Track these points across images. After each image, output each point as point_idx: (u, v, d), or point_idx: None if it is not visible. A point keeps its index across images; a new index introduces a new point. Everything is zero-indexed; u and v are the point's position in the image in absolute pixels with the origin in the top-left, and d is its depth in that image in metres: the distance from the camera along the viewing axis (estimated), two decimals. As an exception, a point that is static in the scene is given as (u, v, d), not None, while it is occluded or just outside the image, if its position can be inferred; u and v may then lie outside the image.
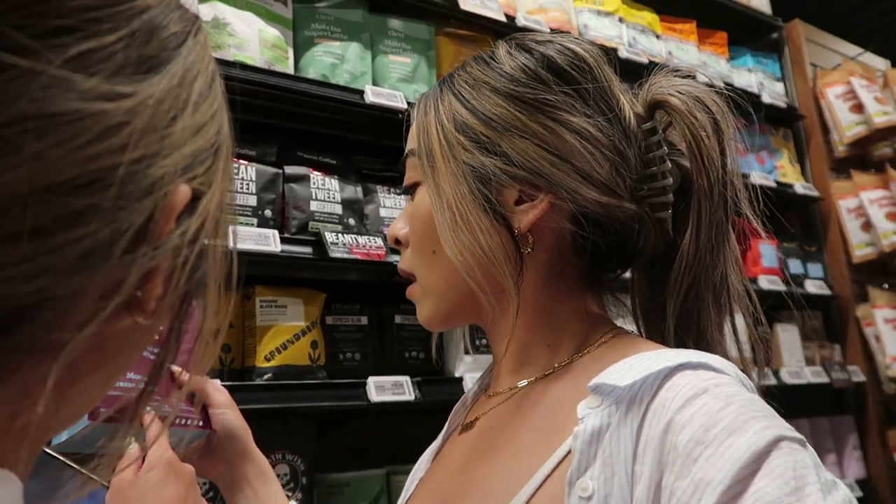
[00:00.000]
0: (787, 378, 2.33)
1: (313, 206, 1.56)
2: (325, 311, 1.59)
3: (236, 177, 1.49)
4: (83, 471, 0.67)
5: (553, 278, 0.67)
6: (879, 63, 3.25)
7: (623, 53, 2.23)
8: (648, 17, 2.46)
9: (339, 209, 1.60)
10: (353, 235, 1.55)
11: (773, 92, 2.75)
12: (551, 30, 2.03)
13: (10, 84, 0.26)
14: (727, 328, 0.67)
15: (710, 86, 0.69)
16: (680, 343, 0.66)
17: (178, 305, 0.37)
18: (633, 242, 0.68)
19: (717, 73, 2.54)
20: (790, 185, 2.63)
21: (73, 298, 0.30)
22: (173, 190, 0.33)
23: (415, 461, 0.79)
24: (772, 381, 2.27)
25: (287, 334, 1.47)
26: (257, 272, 1.51)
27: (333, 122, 1.74)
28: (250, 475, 0.83)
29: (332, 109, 1.66)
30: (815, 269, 2.67)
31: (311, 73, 1.65)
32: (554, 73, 0.66)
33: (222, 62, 1.48)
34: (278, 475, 1.45)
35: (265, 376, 1.43)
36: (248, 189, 1.48)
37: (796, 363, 2.44)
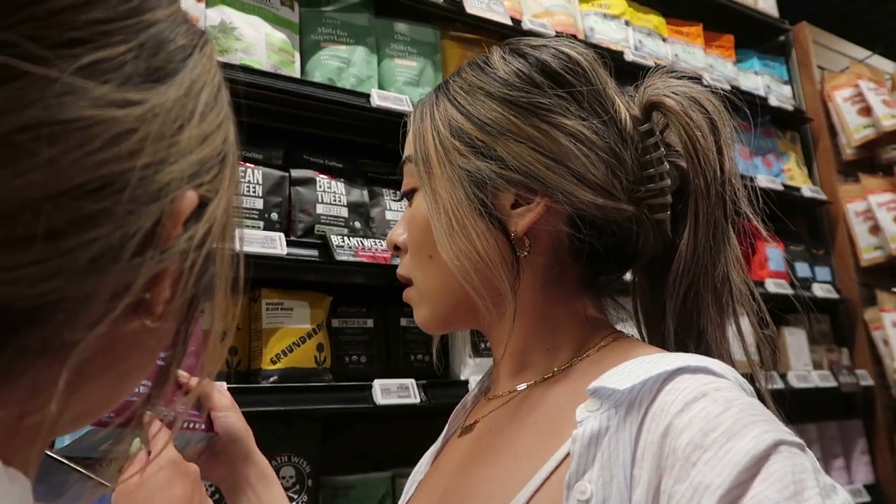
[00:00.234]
0: (795, 382, 2.32)
1: (319, 209, 1.57)
2: (330, 314, 1.60)
3: (243, 180, 1.49)
4: (91, 475, 0.67)
5: (551, 281, 0.67)
6: (887, 66, 3.23)
7: (629, 56, 2.23)
8: (655, 20, 2.46)
9: (345, 212, 1.60)
10: (358, 238, 1.55)
11: (780, 95, 2.74)
12: (557, 33, 2.03)
13: (24, 91, 0.27)
14: (731, 329, 0.67)
15: (707, 86, 0.69)
16: (681, 344, 0.66)
17: (186, 309, 0.38)
18: (632, 244, 0.68)
19: (723, 76, 2.54)
20: (797, 189, 2.62)
21: (83, 300, 0.31)
22: (180, 196, 0.34)
23: (420, 464, 0.79)
24: (779, 384, 2.26)
25: (293, 337, 1.48)
26: (263, 275, 1.51)
27: (340, 126, 1.75)
28: (252, 478, 0.83)
29: (339, 113, 1.67)
30: (823, 272, 2.66)
31: (318, 76, 1.66)
32: (548, 77, 0.66)
33: (229, 66, 1.49)
34: (284, 477, 1.46)
35: (271, 379, 1.44)
36: (254, 192, 1.49)
37: (804, 367, 2.43)
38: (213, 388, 0.85)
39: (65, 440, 0.71)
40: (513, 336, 0.67)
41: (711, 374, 0.56)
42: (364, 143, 1.79)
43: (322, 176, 1.61)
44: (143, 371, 0.39)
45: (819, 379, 2.41)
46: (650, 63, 2.25)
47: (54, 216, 0.28)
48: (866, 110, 2.83)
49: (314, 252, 1.50)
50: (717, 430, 0.50)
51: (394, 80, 1.77)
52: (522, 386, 0.68)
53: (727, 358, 0.65)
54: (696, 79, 0.70)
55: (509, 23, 1.94)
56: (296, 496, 1.46)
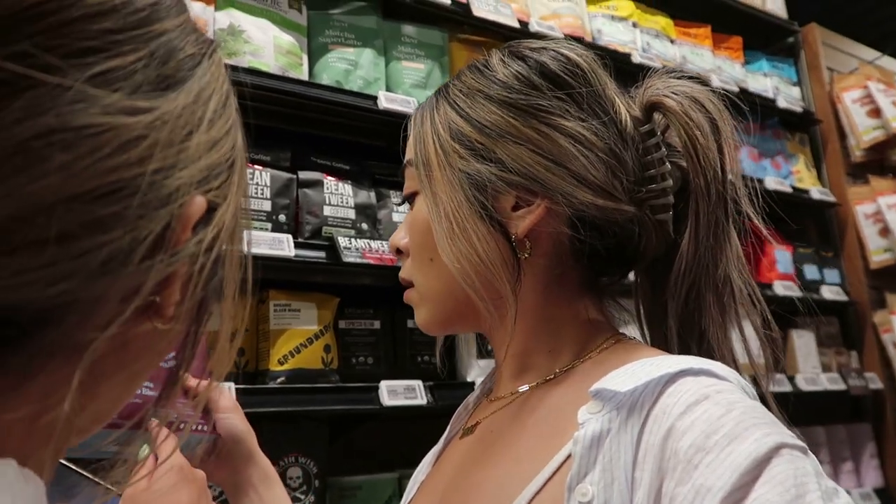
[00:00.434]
0: (803, 385, 2.31)
1: (327, 210, 1.57)
2: (338, 316, 1.60)
3: (251, 182, 1.50)
4: (99, 481, 0.68)
5: (553, 283, 0.67)
6: (897, 67, 3.22)
7: (637, 59, 2.22)
8: (662, 21, 2.45)
9: (352, 214, 1.61)
10: (366, 240, 1.56)
11: (788, 96, 2.73)
12: (565, 35, 2.03)
13: (39, 100, 0.28)
14: (735, 330, 0.67)
15: (708, 86, 0.69)
16: (683, 345, 0.66)
17: (195, 311, 0.38)
18: (634, 245, 0.68)
19: (731, 77, 2.53)
20: (806, 191, 2.61)
21: (94, 302, 0.32)
22: (189, 201, 0.35)
23: (427, 465, 0.79)
24: (787, 387, 2.25)
25: (300, 338, 1.48)
26: (271, 276, 1.52)
27: (347, 128, 1.76)
28: (255, 479, 0.83)
29: (346, 115, 1.68)
30: (832, 274, 2.64)
31: (325, 79, 1.67)
32: (547, 79, 0.66)
33: (237, 68, 1.50)
34: (291, 478, 1.47)
35: (278, 380, 1.44)
36: (262, 194, 1.50)
37: (812, 370, 2.42)
38: (215, 389, 0.86)
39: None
40: (514, 338, 0.67)
41: (714, 376, 0.56)
42: (371, 145, 1.80)
43: (329, 178, 1.62)
44: (150, 372, 0.39)
45: (828, 382, 2.40)
46: (658, 65, 2.25)
47: (67, 220, 0.29)
48: (876, 112, 2.82)
49: (321, 254, 1.50)
50: (719, 433, 0.50)
51: (401, 82, 1.78)
52: (524, 387, 0.68)
53: (729, 358, 0.65)
54: (697, 79, 0.70)
55: (517, 25, 1.94)
56: (303, 496, 1.46)
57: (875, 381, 2.57)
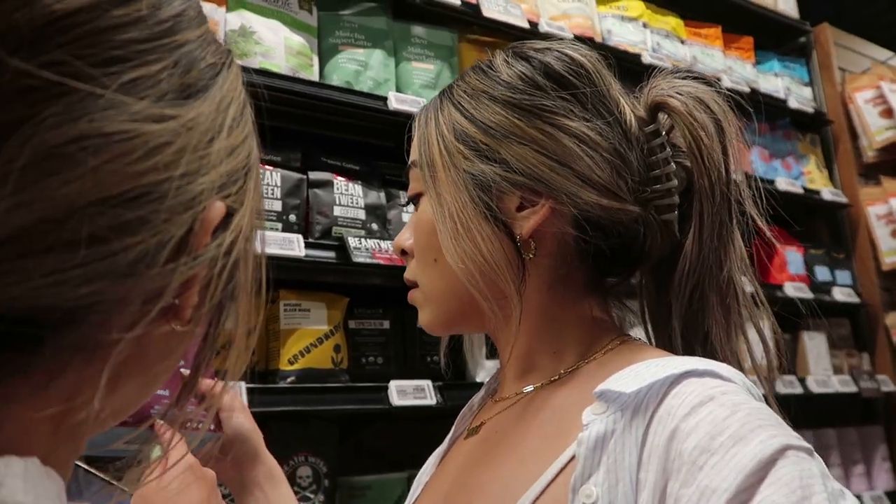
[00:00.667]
0: (814, 387, 2.30)
1: (337, 211, 1.58)
2: (347, 315, 1.61)
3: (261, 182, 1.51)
4: (110, 480, 0.68)
5: (557, 284, 0.67)
6: (910, 67, 3.19)
7: (647, 59, 2.22)
8: (673, 21, 2.45)
9: (362, 214, 1.61)
10: (375, 240, 1.56)
11: (800, 97, 2.71)
12: (574, 36, 2.02)
13: (72, 106, 0.29)
14: (739, 332, 0.67)
15: (711, 85, 0.69)
16: (687, 346, 0.66)
17: (213, 314, 0.39)
18: (639, 245, 0.68)
19: (742, 78, 2.52)
20: (817, 192, 2.59)
21: (119, 303, 0.33)
22: (210, 205, 0.36)
23: (437, 465, 0.80)
24: (798, 389, 2.24)
25: (310, 338, 1.49)
26: (281, 276, 1.53)
27: (357, 129, 1.76)
28: (260, 478, 0.83)
29: (356, 116, 1.68)
30: (844, 276, 2.63)
31: (336, 79, 1.68)
32: (551, 80, 0.66)
33: (248, 69, 1.51)
34: (301, 477, 1.48)
35: (289, 379, 1.45)
36: (272, 194, 1.51)
37: (823, 371, 2.40)
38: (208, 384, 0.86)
39: None
40: (519, 338, 0.67)
41: (718, 377, 0.56)
42: (381, 146, 1.80)
43: (339, 178, 1.62)
44: (168, 373, 0.40)
45: (839, 384, 2.38)
46: (668, 65, 2.23)
47: (97, 223, 0.30)
48: (888, 112, 2.79)
49: (331, 254, 1.51)
50: (724, 434, 0.50)
51: (411, 82, 1.78)
52: (528, 388, 0.68)
53: (733, 360, 0.65)
54: (703, 79, 0.70)
55: (526, 26, 1.94)
56: (312, 496, 1.47)
57: (887, 384, 2.55)
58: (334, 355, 1.52)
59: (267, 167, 1.54)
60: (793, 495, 0.47)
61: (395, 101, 1.66)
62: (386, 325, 1.67)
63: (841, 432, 2.48)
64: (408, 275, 0.73)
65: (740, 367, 0.64)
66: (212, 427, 0.82)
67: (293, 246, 1.45)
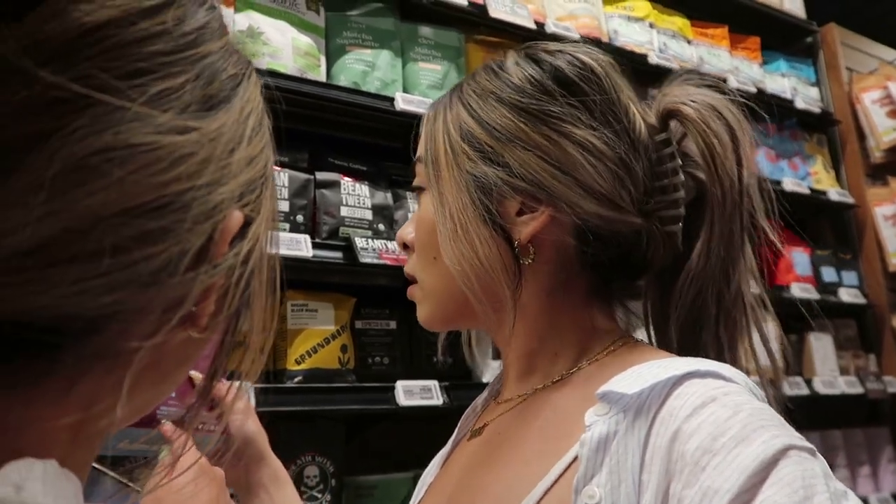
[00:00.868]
0: (821, 388, 2.29)
1: (344, 211, 1.58)
2: (354, 316, 1.61)
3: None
4: (122, 479, 0.69)
5: (557, 288, 0.67)
6: (918, 67, 3.18)
7: (653, 59, 2.21)
8: (679, 22, 2.44)
9: (369, 215, 1.62)
10: (382, 241, 1.57)
11: (807, 97, 2.71)
12: (581, 36, 2.02)
13: (98, 118, 0.29)
14: (744, 343, 0.66)
15: (727, 93, 0.68)
16: (684, 353, 0.65)
17: (229, 321, 0.40)
18: (641, 254, 0.67)
19: (749, 78, 2.51)
20: (824, 192, 2.58)
21: (140, 311, 0.33)
22: (229, 215, 0.36)
23: (444, 466, 0.80)
24: (804, 390, 2.23)
25: (317, 338, 1.50)
26: (289, 276, 1.53)
27: (364, 129, 1.77)
28: (265, 480, 0.84)
29: (363, 116, 1.69)
30: (850, 277, 2.62)
31: (343, 80, 1.68)
32: (560, 85, 0.66)
33: (256, 70, 1.52)
34: (308, 476, 1.48)
35: (296, 379, 1.46)
36: (280, 194, 1.51)
37: (830, 373, 2.40)
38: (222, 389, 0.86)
39: None
40: (519, 340, 0.67)
41: (721, 378, 0.56)
42: (388, 146, 1.81)
43: (346, 178, 1.63)
44: (182, 378, 0.41)
45: (846, 385, 2.38)
46: (675, 66, 2.24)
47: (121, 232, 0.30)
48: (895, 112, 2.79)
49: (338, 254, 1.51)
50: (726, 435, 0.50)
51: (418, 83, 1.78)
52: (530, 390, 0.68)
53: (737, 367, 0.65)
54: (717, 86, 0.69)
55: (533, 26, 1.94)
56: (319, 496, 1.47)
57: (893, 385, 2.55)
58: (341, 355, 1.52)
59: (274, 167, 1.54)
60: (795, 495, 0.47)
61: (402, 102, 1.66)
62: (392, 325, 1.67)
63: (847, 433, 2.48)
64: (408, 269, 0.74)
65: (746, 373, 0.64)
66: (217, 429, 0.83)
67: (300, 246, 1.45)
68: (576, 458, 0.56)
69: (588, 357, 0.66)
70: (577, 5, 2.15)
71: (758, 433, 0.50)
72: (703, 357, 0.64)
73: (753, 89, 2.44)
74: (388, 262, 1.53)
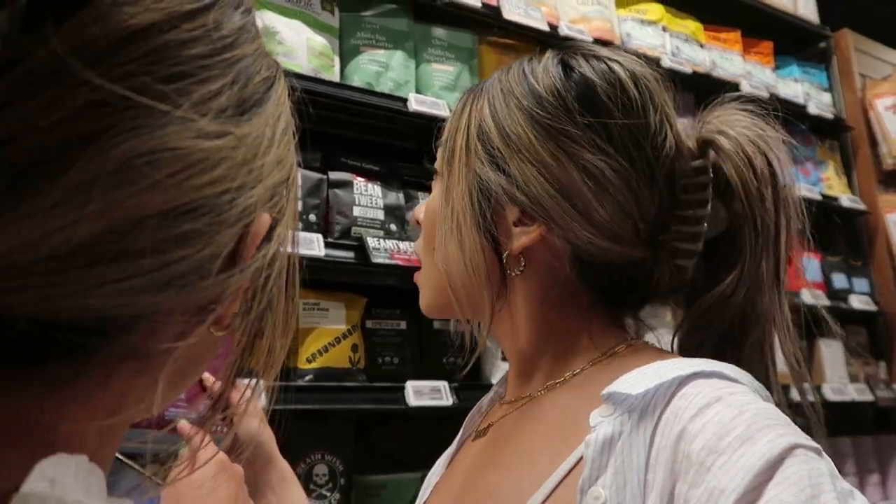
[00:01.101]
0: (830, 395, 2.28)
1: (356, 211, 1.59)
2: (365, 315, 1.62)
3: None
4: (145, 473, 0.70)
5: (552, 298, 0.66)
6: (932, 74, 3.16)
7: (666, 63, 2.21)
8: (692, 25, 2.44)
9: (381, 215, 1.62)
10: (394, 241, 1.57)
11: (819, 103, 2.70)
12: (594, 39, 2.02)
13: (140, 121, 0.30)
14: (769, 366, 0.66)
15: (767, 113, 0.67)
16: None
17: (252, 323, 0.40)
18: (646, 281, 0.66)
19: (761, 82, 2.51)
20: (836, 198, 2.57)
21: (173, 312, 0.34)
22: (258, 217, 0.37)
23: (452, 466, 0.80)
24: (813, 397, 2.22)
25: (328, 337, 1.50)
26: (301, 275, 1.54)
27: (377, 129, 1.77)
28: (273, 481, 0.84)
29: (376, 117, 1.69)
30: (861, 283, 2.61)
31: (357, 80, 1.69)
32: (582, 102, 0.63)
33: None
34: (317, 475, 1.49)
35: (306, 378, 1.46)
36: (293, 194, 1.52)
37: (839, 379, 2.39)
38: (236, 391, 0.87)
39: None
40: (520, 342, 0.67)
41: (726, 378, 0.56)
42: (401, 147, 1.81)
43: (359, 179, 1.63)
44: (198, 376, 0.41)
45: (855, 392, 2.37)
46: (687, 69, 2.24)
47: (158, 234, 0.31)
48: (909, 119, 2.77)
49: (350, 254, 1.52)
50: (732, 434, 0.50)
51: (431, 84, 1.79)
52: (534, 391, 0.67)
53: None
54: (762, 111, 0.67)
55: (546, 28, 1.94)
56: (328, 494, 1.48)
57: (904, 393, 2.54)
58: (352, 355, 1.52)
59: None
60: (801, 494, 0.46)
61: (415, 103, 1.66)
62: (402, 325, 1.68)
63: (856, 441, 2.46)
64: (416, 248, 0.75)
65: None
66: (226, 430, 0.83)
67: (313, 246, 1.46)
68: (581, 459, 0.56)
69: (591, 358, 0.65)
70: (590, 8, 2.15)
71: (763, 432, 0.49)
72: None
73: (766, 94, 2.43)
74: (400, 263, 1.53)
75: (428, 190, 1.77)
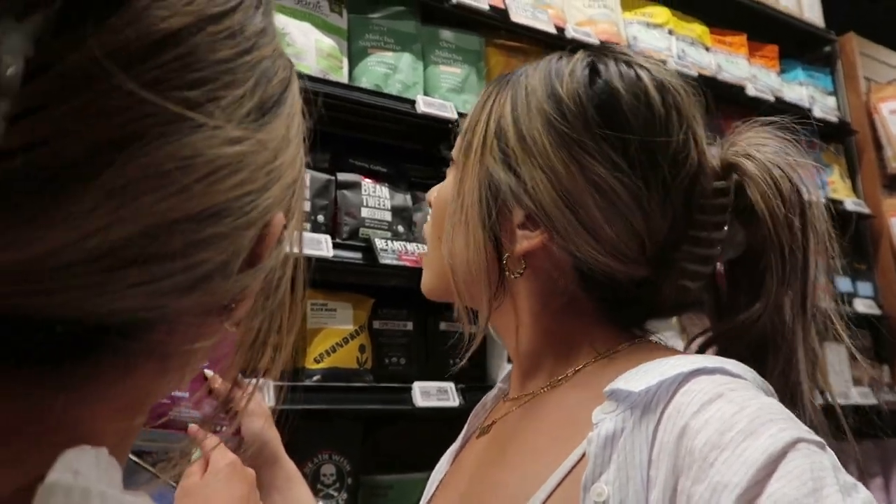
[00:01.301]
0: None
1: (364, 212, 1.59)
2: (372, 316, 1.62)
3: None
4: (156, 472, 0.70)
5: (554, 301, 0.66)
6: (936, 78, 3.16)
7: (672, 66, 2.22)
8: (698, 29, 2.44)
9: (388, 216, 1.63)
10: (402, 242, 1.58)
11: (824, 106, 2.70)
12: (601, 42, 2.03)
13: (169, 126, 0.30)
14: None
15: (795, 134, 0.66)
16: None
17: (262, 321, 0.41)
18: (650, 298, 0.66)
19: (767, 86, 2.51)
20: (840, 202, 2.58)
21: (189, 313, 0.34)
22: (273, 217, 0.37)
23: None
24: (817, 401, 2.22)
25: (336, 337, 1.51)
26: (308, 276, 1.54)
27: (385, 131, 1.78)
28: (279, 481, 0.84)
29: (384, 118, 1.70)
30: (865, 287, 2.61)
31: (365, 82, 1.69)
32: (602, 113, 0.62)
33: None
34: (325, 475, 1.49)
35: (314, 378, 1.47)
36: (302, 195, 1.52)
37: (844, 383, 2.39)
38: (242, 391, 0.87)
39: None
40: (523, 339, 0.68)
41: (729, 374, 0.56)
42: (409, 148, 1.82)
43: (367, 180, 1.64)
44: (196, 371, 0.42)
45: (859, 396, 2.37)
46: (693, 72, 2.24)
47: (186, 237, 0.31)
48: (914, 123, 2.78)
49: (358, 255, 1.52)
50: (734, 430, 0.50)
51: (438, 86, 1.79)
52: (537, 388, 0.68)
53: None
54: (790, 131, 0.66)
55: (553, 31, 1.95)
56: (336, 494, 1.48)
57: (907, 397, 2.54)
58: (359, 355, 1.53)
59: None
60: (804, 487, 0.46)
61: (423, 105, 1.67)
62: (409, 326, 1.68)
63: (860, 445, 2.46)
64: (424, 230, 0.76)
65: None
66: (231, 430, 0.83)
67: (321, 246, 1.46)
68: (584, 456, 0.56)
69: (595, 356, 0.65)
70: (596, 11, 2.15)
71: (765, 427, 0.49)
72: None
73: (771, 98, 2.43)
74: (407, 264, 1.54)
75: (436, 191, 1.77)
